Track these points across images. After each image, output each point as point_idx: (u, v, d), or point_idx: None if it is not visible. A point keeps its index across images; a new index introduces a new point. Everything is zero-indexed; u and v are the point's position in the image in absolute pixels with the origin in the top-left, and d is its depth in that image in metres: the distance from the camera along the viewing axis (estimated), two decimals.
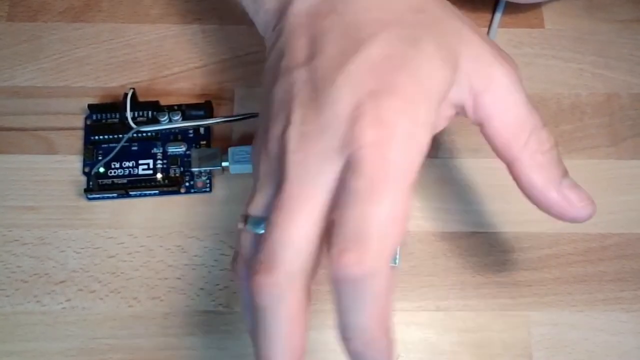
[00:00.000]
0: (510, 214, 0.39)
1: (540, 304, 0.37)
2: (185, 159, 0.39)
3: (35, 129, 0.40)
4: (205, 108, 0.39)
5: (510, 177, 0.39)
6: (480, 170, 0.40)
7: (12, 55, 0.42)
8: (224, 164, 0.38)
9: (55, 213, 0.38)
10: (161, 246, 0.38)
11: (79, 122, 0.40)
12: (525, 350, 0.36)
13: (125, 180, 0.38)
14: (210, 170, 0.39)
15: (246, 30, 0.43)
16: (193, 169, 0.38)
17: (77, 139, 0.40)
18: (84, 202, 0.38)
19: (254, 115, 0.38)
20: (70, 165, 0.39)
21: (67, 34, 0.42)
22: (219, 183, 0.39)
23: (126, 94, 0.38)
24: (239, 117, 0.39)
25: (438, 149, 0.40)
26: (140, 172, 0.39)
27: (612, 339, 0.36)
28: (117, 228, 0.38)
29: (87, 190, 0.38)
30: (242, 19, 0.43)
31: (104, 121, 0.40)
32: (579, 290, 0.37)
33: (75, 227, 0.38)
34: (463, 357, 0.36)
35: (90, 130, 0.39)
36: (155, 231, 0.38)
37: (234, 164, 0.38)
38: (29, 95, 0.41)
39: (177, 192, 0.39)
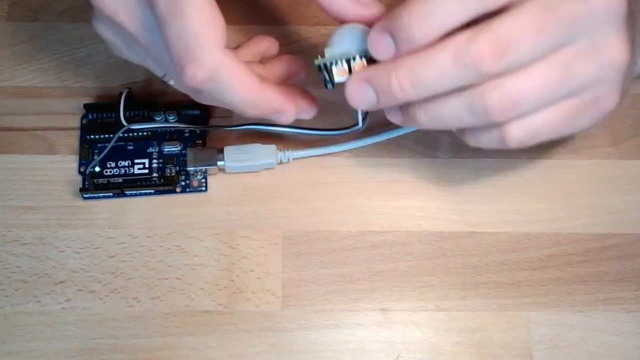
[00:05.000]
0: (510, 214, 0.39)
1: (540, 304, 0.37)
2: (181, 158, 0.39)
3: (35, 129, 0.40)
4: (201, 108, 0.39)
5: (510, 177, 0.39)
6: (480, 170, 0.39)
7: (12, 55, 0.42)
8: (220, 163, 0.38)
9: (55, 213, 0.38)
10: (161, 246, 0.38)
11: (79, 122, 0.40)
12: (526, 351, 0.36)
13: (120, 180, 0.38)
14: (205, 169, 0.39)
15: (246, 31, 0.43)
16: (189, 168, 0.38)
17: (76, 139, 0.40)
18: (83, 202, 0.38)
19: (250, 124, 0.38)
20: (70, 165, 0.39)
21: (67, 34, 0.42)
22: (214, 182, 0.39)
23: (121, 93, 0.38)
24: (234, 126, 0.39)
25: (438, 149, 0.40)
26: (136, 171, 0.39)
27: (612, 340, 0.36)
28: (117, 228, 0.38)
29: (83, 190, 0.38)
30: (242, 19, 0.43)
31: (99, 120, 0.40)
32: (579, 291, 0.37)
33: (75, 227, 0.38)
34: (463, 357, 0.36)
35: (86, 129, 0.39)
36: (155, 231, 0.38)
37: (230, 163, 0.38)
38: (29, 95, 0.41)
39: (173, 192, 0.39)
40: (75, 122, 0.40)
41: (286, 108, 0.33)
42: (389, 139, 0.40)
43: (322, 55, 0.32)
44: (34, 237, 0.38)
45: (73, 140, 0.40)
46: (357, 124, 0.36)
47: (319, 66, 0.32)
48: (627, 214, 0.39)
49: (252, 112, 0.32)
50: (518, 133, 0.31)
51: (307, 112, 0.35)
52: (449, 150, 0.40)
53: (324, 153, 0.39)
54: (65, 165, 0.39)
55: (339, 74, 0.31)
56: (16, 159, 0.39)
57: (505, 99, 0.29)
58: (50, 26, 0.43)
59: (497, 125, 0.31)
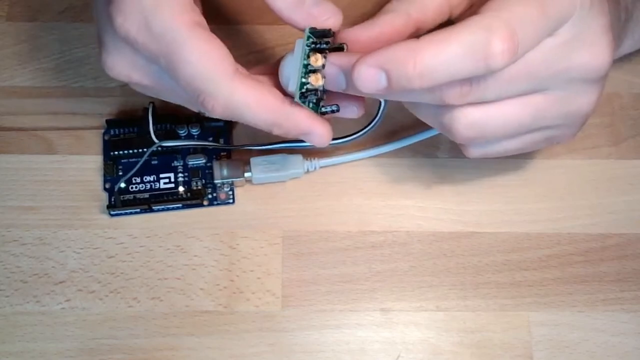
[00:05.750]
0: (510, 214, 0.39)
1: (540, 305, 0.37)
2: (207, 171, 0.39)
3: (35, 129, 0.40)
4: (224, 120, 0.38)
5: (510, 177, 0.39)
6: (480, 170, 0.39)
7: (12, 55, 0.42)
8: (247, 174, 0.38)
9: (54, 213, 0.38)
10: (161, 246, 0.38)
11: (78, 122, 0.40)
12: (526, 351, 0.36)
13: (147, 195, 0.38)
14: (232, 181, 0.38)
15: (247, 31, 0.43)
16: (216, 181, 0.38)
17: (76, 139, 0.40)
18: (83, 202, 0.38)
19: (275, 143, 0.37)
20: (69, 165, 0.39)
21: (67, 33, 0.42)
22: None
23: (147, 109, 0.38)
24: (261, 146, 0.38)
25: (438, 149, 0.40)
26: (162, 186, 0.38)
27: (613, 340, 0.36)
28: (117, 228, 0.38)
29: (110, 207, 0.37)
30: (243, 19, 0.43)
31: (122, 136, 0.39)
32: (579, 291, 0.37)
33: (75, 227, 0.38)
34: (463, 358, 0.36)
35: (109, 145, 0.39)
36: (155, 231, 0.38)
37: (257, 175, 0.38)
38: (29, 95, 0.41)
39: (200, 205, 0.38)
40: (75, 122, 0.40)
41: (314, 128, 0.31)
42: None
43: (293, 94, 0.31)
44: (34, 237, 0.38)
45: (73, 140, 0.40)
46: (377, 111, 0.34)
47: (302, 97, 0.31)
48: (627, 214, 0.39)
49: (277, 131, 0.31)
50: (473, 152, 0.33)
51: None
52: (449, 150, 0.40)
53: (352, 160, 0.39)
54: (65, 165, 0.39)
55: (314, 81, 0.31)
56: (16, 159, 0.39)
57: (471, 127, 0.31)
58: (50, 26, 0.43)
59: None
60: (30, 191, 0.39)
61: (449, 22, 0.31)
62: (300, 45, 0.31)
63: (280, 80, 0.32)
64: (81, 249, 0.37)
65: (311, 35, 0.31)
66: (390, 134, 0.40)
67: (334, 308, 0.37)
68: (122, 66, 0.32)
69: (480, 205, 0.39)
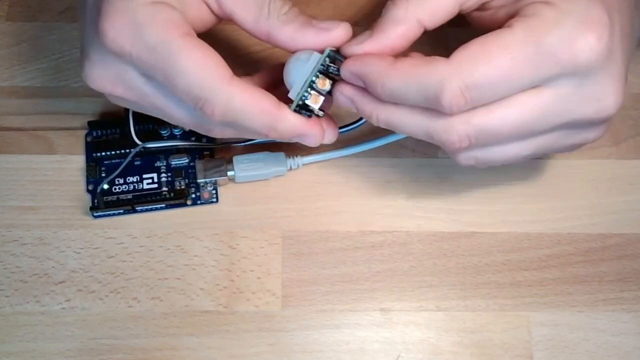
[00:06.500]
0: (510, 214, 0.39)
1: (540, 305, 0.37)
2: (190, 171, 0.39)
3: (35, 129, 0.40)
4: None
5: (510, 177, 0.39)
6: (480, 170, 0.39)
7: (12, 55, 0.42)
8: (230, 173, 0.38)
9: (54, 213, 0.38)
10: (161, 246, 0.38)
11: (78, 122, 0.40)
12: (526, 351, 0.36)
13: (130, 196, 0.38)
14: (215, 180, 0.38)
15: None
16: (199, 180, 0.38)
17: (76, 139, 0.40)
18: (83, 202, 0.38)
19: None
20: (69, 165, 0.39)
21: (67, 34, 0.42)
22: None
23: (128, 110, 0.38)
24: (244, 142, 0.38)
25: (438, 149, 0.40)
26: (145, 186, 0.38)
27: (613, 340, 0.36)
28: (117, 228, 0.38)
29: (93, 208, 0.37)
30: None
31: (104, 137, 0.39)
32: (579, 291, 0.37)
33: (75, 227, 0.38)
34: (463, 358, 0.36)
35: (91, 147, 0.39)
36: (155, 231, 0.38)
37: (240, 173, 0.38)
38: (29, 96, 0.41)
39: (184, 205, 0.38)
40: (75, 122, 0.40)
41: (309, 130, 0.33)
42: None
43: (291, 101, 0.32)
44: (34, 237, 0.38)
45: (73, 140, 0.40)
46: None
47: (296, 110, 0.32)
48: (627, 214, 0.39)
49: (274, 135, 0.32)
50: (468, 161, 0.33)
51: (330, 135, 0.34)
52: None
53: (334, 157, 0.39)
54: (65, 165, 0.39)
55: (313, 101, 0.32)
56: (16, 159, 0.39)
57: (469, 161, 0.33)
58: (50, 26, 0.43)
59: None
60: (30, 191, 0.39)
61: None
62: (315, 61, 0.32)
63: (284, 79, 0.33)
64: (81, 249, 0.37)
65: (328, 58, 0.32)
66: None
67: (334, 308, 0.37)
68: (106, 79, 0.33)
69: (480, 205, 0.39)
